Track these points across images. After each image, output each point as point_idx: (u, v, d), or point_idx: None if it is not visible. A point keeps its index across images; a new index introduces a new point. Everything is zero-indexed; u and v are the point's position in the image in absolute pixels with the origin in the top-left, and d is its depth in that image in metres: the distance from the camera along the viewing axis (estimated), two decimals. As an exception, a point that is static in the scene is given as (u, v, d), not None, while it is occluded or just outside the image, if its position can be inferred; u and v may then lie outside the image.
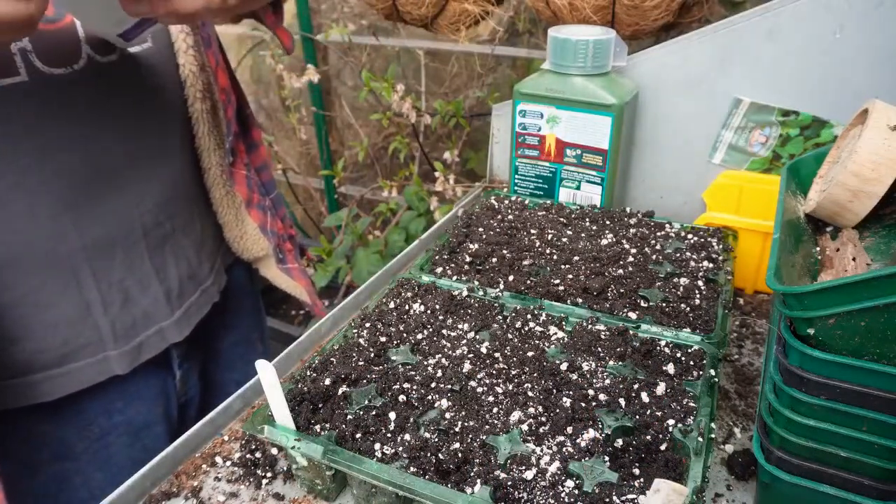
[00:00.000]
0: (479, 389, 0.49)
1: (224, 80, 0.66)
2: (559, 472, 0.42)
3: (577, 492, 0.41)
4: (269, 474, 0.50)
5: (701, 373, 0.51)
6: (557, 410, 0.47)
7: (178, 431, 0.72)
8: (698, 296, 0.60)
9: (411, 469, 0.43)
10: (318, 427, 0.47)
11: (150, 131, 0.61)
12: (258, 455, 0.52)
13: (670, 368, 0.51)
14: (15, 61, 0.48)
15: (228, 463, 0.51)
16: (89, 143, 0.55)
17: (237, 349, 0.82)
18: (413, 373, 0.51)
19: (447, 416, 0.47)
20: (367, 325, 0.58)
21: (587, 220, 0.75)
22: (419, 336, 0.56)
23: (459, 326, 0.57)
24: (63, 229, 0.55)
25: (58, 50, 0.50)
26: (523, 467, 0.42)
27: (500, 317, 0.59)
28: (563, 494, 0.41)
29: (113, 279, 0.60)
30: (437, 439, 0.45)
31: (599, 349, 0.53)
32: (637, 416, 0.46)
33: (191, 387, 0.74)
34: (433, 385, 0.50)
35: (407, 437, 0.45)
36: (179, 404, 0.72)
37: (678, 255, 0.67)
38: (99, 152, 0.56)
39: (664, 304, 0.59)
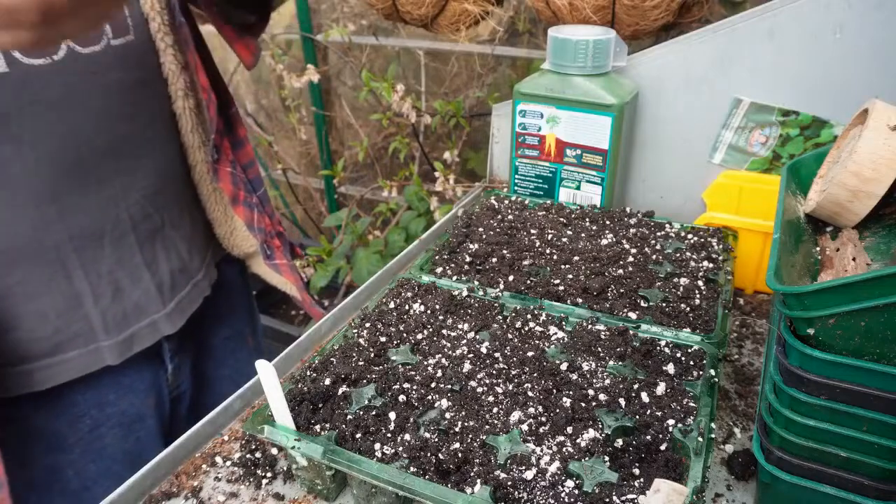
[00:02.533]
0: (479, 389, 0.49)
1: (204, 79, 0.67)
2: (559, 472, 0.42)
3: (577, 492, 0.41)
4: (269, 474, 0.50)
5: (701, 373, 0.51)
6: (557, 410, 0.47)
7: (170, 425, 0.73)
8: (698, 296, 0.60)
9: (411, 469, 0.43)
10: (318, 427, 0.47)
11: (133, 125, 0.61)
12: (258, 455, 0.52)
13: (670, 368, 0.51)
14: None
15: (228, 463, 0.51)
16: (70, 134, 0.55)
17: (229, 344, 0.82)
18: (413, 373, 0.51)
19: (447, 416, 0.47)
20: (367, 325, 0.58)
21: (587, 220, 0.75)
22: (419, 336, 0.56)
23: (459, 326, 0.57)
24: (47, 219, 0.55)
25: None
26: (523, 467, 0.42)
27: (500, 317, 0.59)
28: (563, 494, 0.41)
29: (102, 270, 0.60)
30: (437, 439, 0.45)
31: (599, 349, 0.53)
32: (637, 416, 0.46)
33: (182, 381, 0.74)
34: (433, 385, 0.50)
35: (407, 437, 0.45)
36: (171, 398, 0.73)
37: (678, 255, 0.67)
38: (80, 143, 0.56)
39: (664, 304, 0.59)
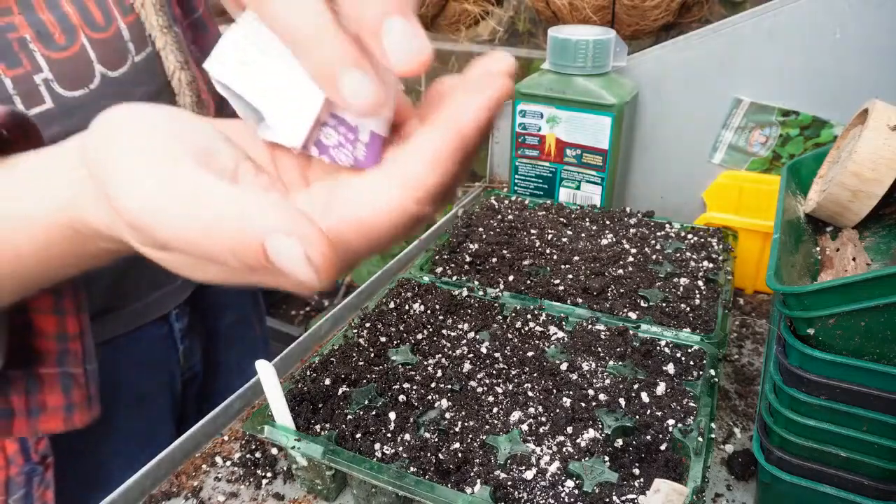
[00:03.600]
0: (479, 389, 0.49)
1: (201, 78, 0.68)
2: (559, 472, 0.42)
3: (577, 492, 0.41)
4: (269, 474, 0.50)
5: (701, 373, 0.51)
6: (557, 410, 0.47)
7: (182, 408, 0.74)
8: (698, 296, 0.60)
9: (411, 469, 0.43)
10: (318, 427, 0.47)
11: None
12: (258, 455, 0.52)
13: (670, 368, 0.51)
14: (41, 91, 0.51)
15: (228, 463, 0.51)
16: None
17: (236, 329, 0.84)
18: (413, 373, 0.51)
19: (447, 416, 0.47)
20: (367, 325, 0.58)
21: (587, 220, 0.75)
22: (419, 336, 0.56)
23: (459, 326, 0.57)
24: None
25: (75, 74, 0.53)
26: (523, 467, 0.42)
27: (500, 317, 0.59)
28: (563, 494, 0.41)
29: (131, 260, 0.64)
30: (437, 439, 0.45)
31: (599, 349, 0.53)
32: (637, 416, 0.46)
33: (195, 363, 0.76)
34: (433, 385, 0.50)
35: (407, 437, 0.45)
36: (183, 380, 0.74)
37: (678, 255, 0.67)
38: None
39: (664, 304, 0.59)
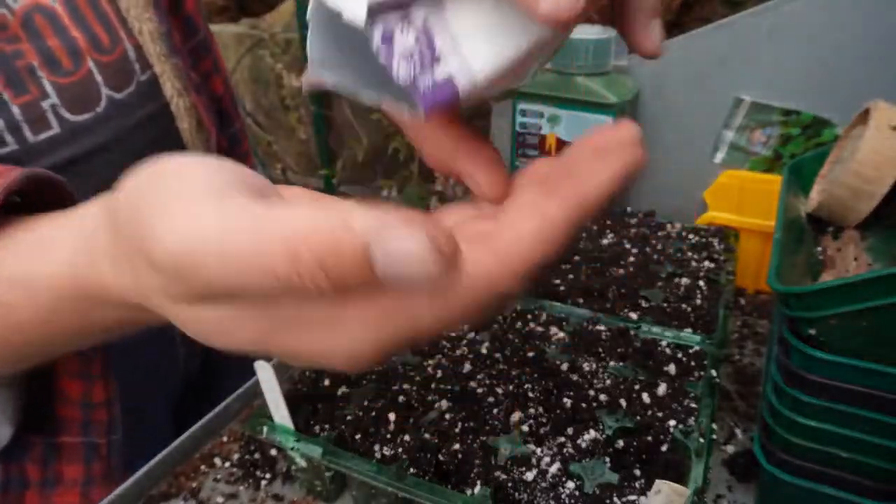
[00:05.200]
0: (479, 390, 0.49)
1: (201, 105, 0.68)
2: (560, 473, 0.42)
3: (577, 493, 0.41)
4: (268, 475, 0.50)
5: (702, 373, 0.50)
6: (558, 411, 0.47)
7: (180, 410, 0.74)
8: (699, 296, 0.60)
9: (411, 470, 0.43)
10: (317, 428, 0.46)
11: (157, 151, 0.63)
12: (257, 456, 0.51)
13: (671, 369, 0.51)
14: (48, 117, 0.51)
15: (227, 464, 0.51)
16: (112, 174, 0.57)
17: None
18: (413, 373, 0.51)
19: (447, 416, 0.47)
20: (367, 325, 0.58)
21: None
22: (419, 336, 0.56)
23: (459, 327, 0.57)
24: None
25: (82, 98, 0.53)
26: (524, 468, 0.42)
27: (501, 317, 0.59)
28: (563, 495, 0.41)
29: None
30: (436, 440, 0.45)
31: (600, 349, 0.53)
32: (638, 417, 0.46)
33: (194, 367, 0.75)
34: (433, 386, 0.50)
35: (406, 437, 0.45)
36: (183, 384, 0.74)
37: (679, 255, 0.67)
38: (119, 178, 0.58)
39: (665, 305, 0.59)
